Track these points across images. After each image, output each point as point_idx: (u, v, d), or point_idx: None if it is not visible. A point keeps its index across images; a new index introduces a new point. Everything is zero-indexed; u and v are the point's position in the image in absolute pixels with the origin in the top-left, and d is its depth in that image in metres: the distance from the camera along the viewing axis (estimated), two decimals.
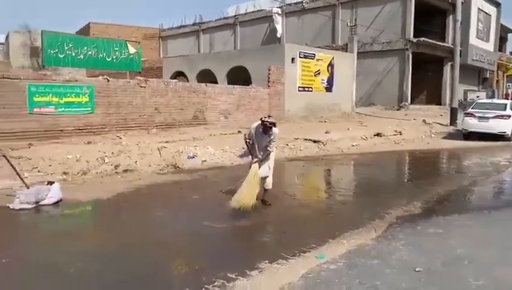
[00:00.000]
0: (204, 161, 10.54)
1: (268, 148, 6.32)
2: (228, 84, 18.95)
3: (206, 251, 4.74)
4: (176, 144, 11.18)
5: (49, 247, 4.96)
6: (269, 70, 17.54)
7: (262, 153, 6.33)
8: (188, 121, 14.33)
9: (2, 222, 5.90)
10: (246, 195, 6.00)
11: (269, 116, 6.26)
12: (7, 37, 34.95)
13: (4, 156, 7.64)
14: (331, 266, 4.26)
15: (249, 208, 5.93)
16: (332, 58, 20.99)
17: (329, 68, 20.82)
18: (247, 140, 6.46)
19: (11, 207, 6.26)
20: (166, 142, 11.32)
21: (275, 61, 18.00)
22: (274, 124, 6.17)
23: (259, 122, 6.25)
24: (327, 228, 5.51)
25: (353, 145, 13.58)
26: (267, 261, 4.29)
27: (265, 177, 6.43)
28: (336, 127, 15.79)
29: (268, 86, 17.49)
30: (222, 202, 6.70)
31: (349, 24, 25.58)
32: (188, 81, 20.85)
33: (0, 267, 4.17)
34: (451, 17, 27.73)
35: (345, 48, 23.67)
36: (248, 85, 17.65)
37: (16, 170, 7.24)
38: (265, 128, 6.16)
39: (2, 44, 39.19)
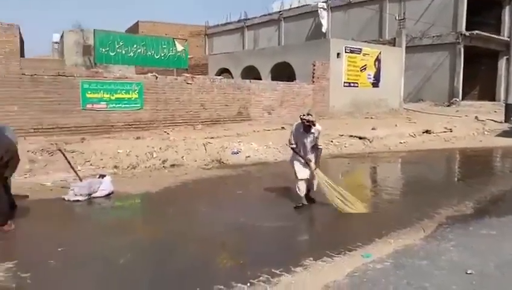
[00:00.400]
0: (248, 156, 10.61)
1: (319, 147, 6.10)
2: (272, 80, 18.94)
3: (250, 247, 4.78)
4: (221, 140, 11.33)
5: (101, 238, 5.18)
6: (314, 65, 17.36)
7: (310, 153, 6.07)
8: (232, 117, 14.47)
9: (58, 213, 6.22)
10: (344, 199, 5.88)
11: (308, 114, 5.85)
12: (62, 36, 36.68)
13: (60, 150, 8.06)
14: (378, 265, 4.17)
15: (362, 209, 5.91)
16: (380, 53, 20.47)
17: (376, 63, 20.32)
18: (292, 145, 6.14)
19: (66, 199, 6.59)
20: (211, 138, 11.49)
21: (320, 56, 17.78)
22: (313, 123, 5.83)
23: (300, 121, 5.95)
24: (373, 227, 5.39)
25: (401, 143, 13.21)
26: (311, 259, 4.27)
27: (313, 178, 6.18)
28: (382, 124, 15.40)
29: (313, 82, 17.33)
30: (266, 198, 6.76)
31: (397, 18, 24.82)
32: (232, 77, 21.04)
33: (56, 255, 4.41)
34: (507, 8, 26.28)
35: (392, 42, 23.02)
36: (292, 81, 17.57)
37: (70, 164, 7.61)
38: (305, 126, 5.86)
39: (57, 43, 41.21)
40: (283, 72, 19.62)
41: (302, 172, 6.06)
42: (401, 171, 10.36)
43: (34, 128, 10.25)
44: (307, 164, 6.04)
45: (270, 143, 11.29)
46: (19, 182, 7.49)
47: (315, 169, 6.04)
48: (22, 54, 26.37)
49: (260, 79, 18.86)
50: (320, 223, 5.75)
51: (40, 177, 8.18)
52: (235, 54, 25.65)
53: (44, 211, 6.21)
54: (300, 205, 6.10)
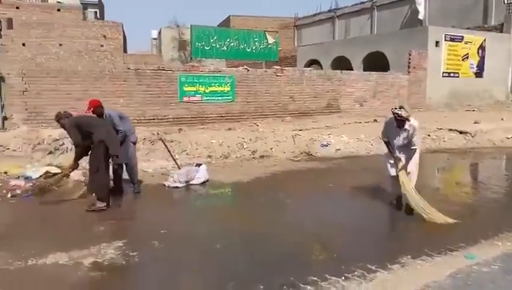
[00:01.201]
0: (338, 149, 10.43)
1: (412, 146, 5.38)
2: (364, 70, 18.35)
3: (342, 241, 4.69)
4: (309, 132, 11.27)
5: (198, 222, 5.46)
6: (410, 55, 16.48)
7: (402, 152, 5.45)
8: (322, 109, 14.31)
9: (160, 198, 6.66)
10: (423, 207, 5.23)
11: (400, 107, 5.18)
12: (159, 33, 39.03)
13: (161, 139, 8.61)
14: (483, 268, 3.86)
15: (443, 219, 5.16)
16: (484, 40, 18.81)
17: (480, 51, 18.71)
18: (384, 139, 5.68)
19: (166, 185, 7.04)
20: (300, 130, 11.47)
21: (416, 45, 16.83)
22: (406, 118, 5.16)
23: (392, 115, 5.30)
24: (478, 227, 4.99)
25: (508, 138, 12.03)
26: (409, 257, 4.08)
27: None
28: (486, 117, 14.16)
29: (408, 72, 16.47)
30: (357, 193, 6.59)
31: (505, 1, 22.54)
32: (322, 69, 20.77)
33: (159, 236, 4.73)
34: None
35: (499, 29, 20.98)
36: (385, 71, 16.86)
37: (170, 153, 8.10)
38: (398, 121, 5.23)
39: (156, 39, 43.95)
40: (376, 62, 18.90)
41: (392, 169, 5.57)
42: (508, 169, 9.45)
43: (137, 119, 11.06)
44: (395, 163, 5.49)
45: (362, 136, 10.98)
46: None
47: (399, 170, 5.38)
48: (125, 50, 28.60)
49: (351, 70, 18.38)
50: (419, 221, 5.42)
51: (143, 164, 8.81)
52: (324, 44, 25.24)
53: (147, 195, 6.69)
54: (395, 202, 5.75)
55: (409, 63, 16.51)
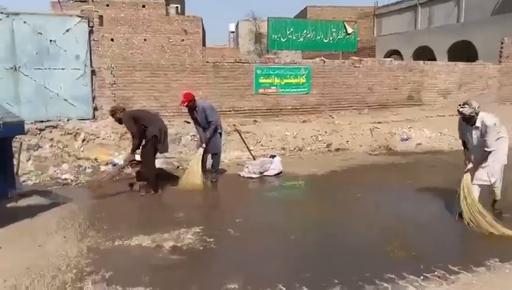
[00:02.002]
0: (419, 144, 9.96)
1: (485, 148, 4.69)
2: (448, 61, 17.23)
3: (424, 240, 4.45)
4: (388, 125, 10.87)
5: (272, 213, 5.50)
6: (502, 43, 15.16)
7: (476, 154, 4.87)
8: (402, 102, 13.68)
9: (234, 187, 6.82)
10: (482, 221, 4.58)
11: (465, 104, 4.63)
12: (237, 26, 39.75)
13: (238, 131, 8.79)
14: None
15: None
16: None
17: None
18: (462, 138, 5.12)
19: (241, 175, 7.19)
20: (378, 123, 11.10)
21: (511, 32, 15.43)
22: (469, 116, 4.61)
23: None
24: None
25: None
26: (497, 259, 3.80)
27: (492, 185, 4.93)
28: None
29: (500, 62, 15.17)
30: (440, 190, 6.24)
31: None
32: (402, 59, 19.84)
33: (234, 225, 4.85)
34: None
35: None
36: (472, 62, 15.68)
37: (245, 144, 8.26)
38: (465, 119, 4.71)
39: (233, 32, 44.85)
40: (462, 52, 17.68)
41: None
42: None
43: None
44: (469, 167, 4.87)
45: (445, 130, 10.36)
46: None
47: (465, 172, 4.86)
48: (204, 44, 29.52)
49: (434, 60, 17.34)
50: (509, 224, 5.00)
51: None
52: (406, 33, 24.10)
53: (223, 185, 6.90)
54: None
55: (501, 52, 15.20)
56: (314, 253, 4.16)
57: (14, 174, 4.97)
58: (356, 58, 13.25)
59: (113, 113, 6.30)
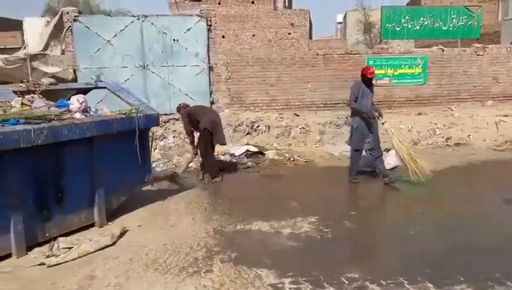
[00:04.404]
0: None
1: None
2: None
3: None
4: None
5: (388, 207, 5.45)
6: None
7: None
8: None
9: (347, 180, 6.70)
10: None
11: None
12: (345, 16, 38.94)
13: (347, 124, 8.70)
14: None
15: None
16: None
17: None
18: None
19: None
20: (505, 115, 10.13)
21: None
22: None
23: None
24: None
25: None
26: None
27: None
28: None
29: None
30: None
31: None
32: None
33: (350, 217, 4.86)
34: None
35: None
36: None
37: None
38: None
39: (340, 23, 44.03)
40: None
41: None
42: None
43: (323, 104, 11.37)
44: None
45: None
46: (310, 151, 8.62)
47: None
48: (310, 36, 29.47)
49: None
50: None
51: (328, 147, 9.11)
52: None
53: (335, 177, 6.92)
54: None
55: None
56: (434, 249, 4.01)
57: (150, 161, 5.56)
58: (479, 45, 12.20)
59: (178, 111, 7.10)
